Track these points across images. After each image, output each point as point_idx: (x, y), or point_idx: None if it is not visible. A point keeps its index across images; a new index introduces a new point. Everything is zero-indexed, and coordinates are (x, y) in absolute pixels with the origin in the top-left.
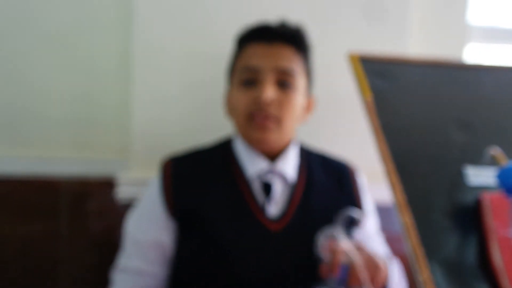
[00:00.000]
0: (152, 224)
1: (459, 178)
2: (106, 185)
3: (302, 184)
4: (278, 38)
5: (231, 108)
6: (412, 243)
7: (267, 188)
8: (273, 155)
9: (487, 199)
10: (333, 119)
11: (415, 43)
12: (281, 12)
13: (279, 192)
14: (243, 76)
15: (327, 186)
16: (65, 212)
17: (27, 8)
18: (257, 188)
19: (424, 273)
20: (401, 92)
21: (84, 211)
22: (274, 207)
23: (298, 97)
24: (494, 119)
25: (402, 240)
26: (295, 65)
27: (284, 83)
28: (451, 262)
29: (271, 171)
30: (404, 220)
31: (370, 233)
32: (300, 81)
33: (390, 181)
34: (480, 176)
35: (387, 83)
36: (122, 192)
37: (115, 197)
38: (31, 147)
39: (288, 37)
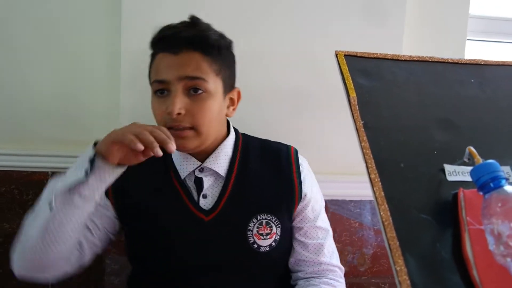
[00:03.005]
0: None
1: (438, 175)
2: None
3: (234, 176)
4: (184, 46)
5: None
6: (388, 236)
7: (199, 183)
8: (205, 154)
9: (462, 194)
10: (328, 116)
11: (411, 43)
12: (277, 11)
13: (211, 186)
14: (155, 87)
15: (262, 173)
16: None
17: (14, 3)
18: (191, 185)
19: (398, 265)
20: (385, 90)
21: None
22: (209, 199)
23: (213, 101)
24: (477, 118)
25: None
26: (203, 71)
27: (195, 89)
28: (425, 254)
29: (202, 168)
30: (382, 215)
31: (309, 219)
32: (212, 84)
33: (370, 178)
34: (458, 174)
35: (372, 81)
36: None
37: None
38: (16, 142)
39: (194, 43)
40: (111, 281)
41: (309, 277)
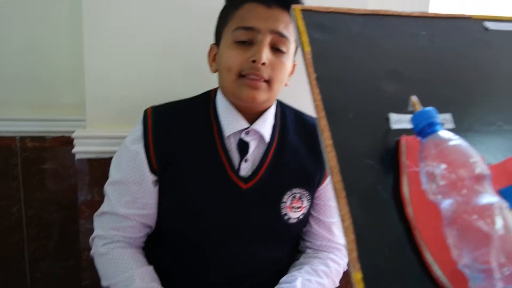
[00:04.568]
0: (131, 168)
1: (384, 123)
2: (64, 143)
3: (275, 145)
4: (277, 2)
5: (219, 65)
6: (334, 180)
7: (243, 147)
8: (253, 115)
9: (404, 140)
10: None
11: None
12: None
13: (253, 150)
14: (239, 35)
15: (298, 146)
16: (23, 171)
17: None
18: (233, 147)
19: (343, 208)
20: (339, 44)
21: (42, 170)
22: (249, 164)
23: (289, 63)
24: (425, 69)
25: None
26: (290, 32)
27: (278, 47)
28: (367, 195)
29: (248, 131)
30: (329, 160)
31: (327, 197)
32: (291, 48)
33: (320, 127)
34: (402, 122)
35: (327, 35)
36: (80, 150)
37: (73, 155)
38: None
39: (287, 2)
40: (86, 241)
41: (316, 249)
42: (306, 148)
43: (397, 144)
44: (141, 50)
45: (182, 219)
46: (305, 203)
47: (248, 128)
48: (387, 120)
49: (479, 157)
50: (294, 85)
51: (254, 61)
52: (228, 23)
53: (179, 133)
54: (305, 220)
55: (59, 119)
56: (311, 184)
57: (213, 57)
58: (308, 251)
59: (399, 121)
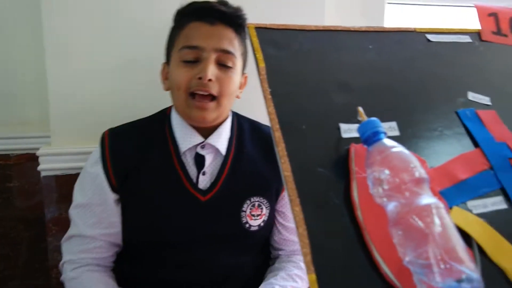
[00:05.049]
0: (93, 190)
1: (335, 133)
2: (29, 160)
3: (232, 156)
4: (219, 19)
5: (170, 83)
6: (288, 189)
7: (200, 160)
8: (207, 130)
9: (353, 148)
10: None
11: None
12: None
13: (210, 163)
14: (185, 54)
15: (255, 155)
16: None
17: None
18: (190, 161)
19: (297, 215)
20: (292, 59)
21: (8, 188)
22: (207, 177)
23: (236, 77)
24: (372, 81)
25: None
26: (235, 47)
27: (224, 63)
28: (321, 202)
29: (204, 145)
30: (284, 170)
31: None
32: (238, 62)
33: (275, 139)
34: (351, 131)
35: (280, 50)
36: (45, 167)
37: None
38: None
39: (230, 19)
40: (55, 258)
41: (290, 254)
42: (262, 157)
43: (347, 152)
44: (103, 68)
45: (146, 234)
46: (264, 211)
47: (203, 142)
48: (338, 130)
49: (418, 162)
50: (250, 97)
51: (200, 78)
52: (175, 43)
53: (136, 150)
54: (266, 227)
55: (24, 136)
56: (269, 192)
57: (165, 75)
58: (282, 256)
59: (349, 130)
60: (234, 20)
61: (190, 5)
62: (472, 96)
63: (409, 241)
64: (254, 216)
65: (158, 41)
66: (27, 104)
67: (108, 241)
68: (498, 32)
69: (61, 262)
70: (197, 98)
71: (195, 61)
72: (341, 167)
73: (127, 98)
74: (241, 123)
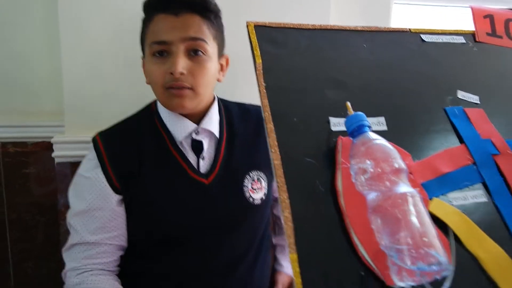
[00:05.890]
0: (94, 195)
1: (325, 126)
2: (45, 148)
3: (225, 137)
4: (184, 8)
5: (149, 78)
6: (277, 175)
7: (197, 146)
8: (197, 116)
9: (340, 141)
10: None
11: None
12: None
13: (207, 148)
14: (154, 49)
15: (246, 133)
16: (6, 176)
17: None
18: (187, 149)
19: (284, 200)
20: (288, 56)
21: (25, 174)
22: (206, 161)
23: (211, 64)
24: (364, 78)
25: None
26: (204, 33)
27: (195, 51)
28: (307, 189)
29: (198, 131)
30: (273, 159)
31: None
32: (211, 47)
33: (267, 130)
34: (341, 125)
35: (277, 48)
36: (59, 154)
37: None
38: None
39: (194, 6)
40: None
41: None
42: (254, 134)
43: (335, 144)
44: (115, 61)
45: (157, 229)
46: (263, 184)
47: (197, 128)
48: (328, 123)
49: (398, 154)
50: (249, 91)
51: (172, 73)
52: (146, 37)
53: (132, 149)
54: (267, 201)
55: (40, 125)
56: (265, 167)
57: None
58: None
59: (338, 124)
60: (199, 6)
61: None
62: (461, 94)
63: (386, 226)
64: (255, 190)
65: None
66: (43, 95)
67: (113, 245)
68: (493, 34)
69: (63, 271)
70: (174, 89)
71: (166, 54)
72: (328, 158)
73: (138, 89)
74: (227, 105)
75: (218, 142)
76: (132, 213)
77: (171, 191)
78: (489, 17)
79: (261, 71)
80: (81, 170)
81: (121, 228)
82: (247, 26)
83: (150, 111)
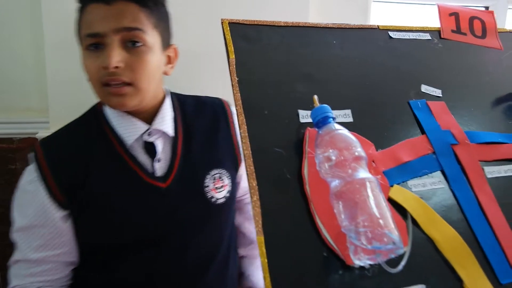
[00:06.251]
0: (34, 210)
1: (294, 119)
2: (31, 144)
3: (181, 135)
4: None
5: (87, 75)
6: (246, 164)
7: (150, 148)
8: (147, 114)
9: (308, 132)
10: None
11: (318, 7)
12: None
13: (162, 149)
14: (88, 42)
15: (204, 129)
16: None
17: None
18: (139, 152)
19: (252, 186)
20: (261, 52)
21: (11, 170)
22: (162, 163)
23: (152, 55)
24: (333, 73)
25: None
26: (141, 22)
27: (133, 42)
28: (275, 177)
29: (151, 132)
30: (244, 149)
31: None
32: (151, 37)
33: (238, 122)
34: (309, 117)
35: (250, 44)
36: None
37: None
38: None
39: None
40: None
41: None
42: (212, 129)
43: (303, 135)
44: None
45: (111, 240)
46: (226, 181)
47: (148, 129)
48: (297, 115)
49: (358, 143)
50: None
51: (105, 67)
52: (80, 28)
53: (77, 157)
54: (232, 198)
55: (25, 121)
56: (227, 162)
57: None
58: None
59: (307, 116)
60: None
61: None
62: (425, 88)
63: (346, 210)
64: (218, 188)
65: None
66: (28, 91)
67: (59, 261)
68: (458, 31)
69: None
70: (111, 85)
71: (102, 48)
72: (296, 148)
73: None
74: (182, 99)
75: (174, 142)
76: (85, 225)
77: (125, 200)
78: (455, 14)
79: (234, 67)
80: (23, 180)
81: (67, 245)
82: (222, 23)
83: (95, 112)
